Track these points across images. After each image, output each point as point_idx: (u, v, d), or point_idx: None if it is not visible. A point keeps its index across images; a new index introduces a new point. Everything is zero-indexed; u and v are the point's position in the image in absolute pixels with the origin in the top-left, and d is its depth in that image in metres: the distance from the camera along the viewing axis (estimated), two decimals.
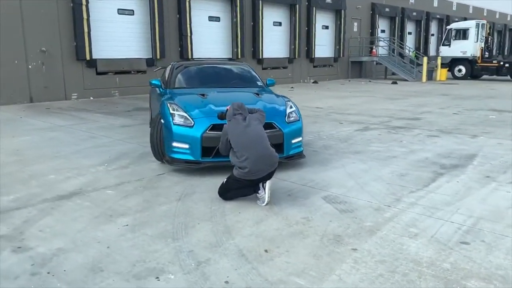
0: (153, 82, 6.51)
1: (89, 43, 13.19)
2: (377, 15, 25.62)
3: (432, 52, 30.98)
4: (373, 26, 25.64)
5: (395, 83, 20.49)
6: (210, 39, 17.15)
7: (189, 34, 15.97)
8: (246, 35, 18.20)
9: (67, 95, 13.10)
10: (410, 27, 29.25)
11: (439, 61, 22.82)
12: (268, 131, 5.06)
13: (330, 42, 23.04)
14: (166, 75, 6.87)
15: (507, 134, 7.75)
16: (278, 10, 19.96)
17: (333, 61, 23.01)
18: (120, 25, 14.27)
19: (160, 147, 5.38)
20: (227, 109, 4.46)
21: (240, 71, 7.00)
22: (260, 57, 18.73)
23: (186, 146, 5.05)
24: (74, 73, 13.18)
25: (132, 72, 14.70)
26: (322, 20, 22.29)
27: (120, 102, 12.79)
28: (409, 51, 25.81)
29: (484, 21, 23.88)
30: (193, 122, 5.08)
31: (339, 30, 23.14)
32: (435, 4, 31.23)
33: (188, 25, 15.87)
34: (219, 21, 17.51)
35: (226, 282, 2.76)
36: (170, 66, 7.28)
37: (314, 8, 21.08)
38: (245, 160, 4.05)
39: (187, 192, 4.51)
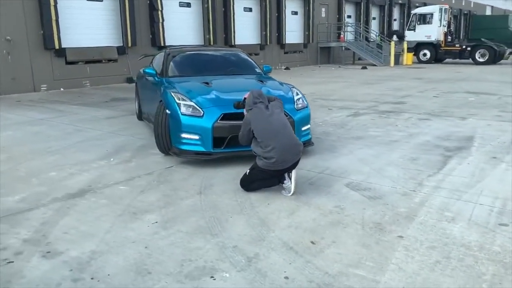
0: (148, 70, 6.21)
1: (58, 31, 12.51)
2: (343, 1, 25.78)
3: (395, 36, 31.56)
4: (340, 12, 25.80)
5: (365, 68, 20.77)
6: (182, 26, 16.70)
7: (160, 21, 15.47)
8: (218, 21, 17.86)
9: (36, 87, 12.40)
10: (374, 12, 29.68)
11: (405, 46, 23.30)
12: None
13: (299, 28, 23.01)
14: (160, 63, 6.57)
15: (492, 115, 7.98)
16: None
17: (303, 47, 23.03)
18: (89, 12, 13.63)
19: (166, 138, 5.15)
20: (244, 98, 4.30)
21: (237, 57, 6.80)
22: (233, 43, 18.44)
23: (196, 137, 4.86)
24: (43, 63, 12.48)
25: (103, 61, 14.11)
26: (291, 6, 22.19)
27: (94, 92, 12.25)
28: (376, 35, 26.19)
29: (447, 6, 24.54)
30: (202, 112, 4.88)
31: (307, 15, 23.13)
32: None
33: (159, 12, 15.36)
34: (190, 6, 17.06)
35: (286, 277, 2.65)
36: (161, 54, 6.99)
37: None
38: (271, 150, 3.92)
39: (205, 185, 4.34)
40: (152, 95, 6.46)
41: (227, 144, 4.87)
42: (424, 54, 24.06)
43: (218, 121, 4.82)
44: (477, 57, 22.60)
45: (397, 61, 22.84)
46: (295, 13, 22.71)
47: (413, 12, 25.28)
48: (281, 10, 21.02)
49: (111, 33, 14.31)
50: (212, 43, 17.48)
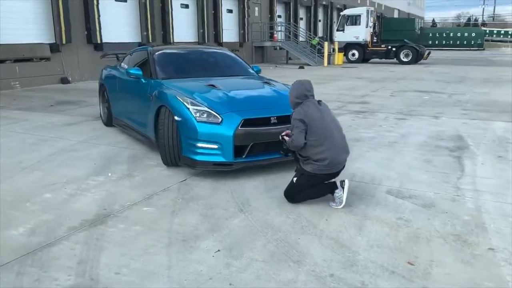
0: (132, 71, 5.51)
1: None
2: (275, 1, 25.93)
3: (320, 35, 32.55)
4: (271, 11, 25.92)
5: (302, 67, 21.03)
6: (118, 22, 15.59)
7: (96, 16, 14.27)
8: (156, 18, 16.94)
9: None
10: (301, 13, 30.28)
11: (336, 46, 24.02)
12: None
13: (234, 27, 22.71)
14: (140, 63, 5.87)
15: (458, 113, 8.32)
16: None
17: (238, 46, 22.74)
18: (17, 4, 12.13)
19: (176, 149, 4.57)
20: None
21: (228, 57, 6.32)
22: (172, 41, 17.63)
23: (215, 146, 4.35)
24: None
25: (35, 60, 12.67)
26: (227, 4, 21.82)
27: (30, 95, 10.92)
28: (310, 36, 26.69)
29: (372, 8, 25.73)
30: (220, 118, 4.38)
31: (242, 14, 22.90)
32: None
33: (95, 6, 14.15)
34: (126, 1, 15.97)
35: None
36: (139, 53, 6.29)
37: None
38: (325, 151, 3.56)
39: (240, 201, 3.88)
40: (134, 98, 5.80)
41: (248, 153, 4.44)
42: (353, 54, 24.99)
43: (239, 127, 4.36)
44: (401, 57, 23.97)
45: (329, 61, 23.47)
46: (230, 11, 22.37)
47: (341, 13, 26.18)
48: (217, 7, 20.56)
49: (43, 28, 12.92)
50: (150, 41, 16.54)
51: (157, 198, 3.94)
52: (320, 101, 3.81)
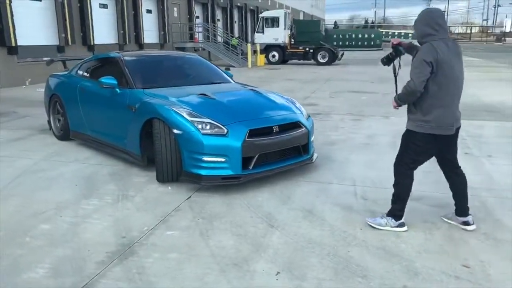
0: (107, 81, 5.03)
1: None
2: (193, 1, 25.54)
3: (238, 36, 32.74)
4: (190, 12, 25.49)
5: (228, 69, 20.91)
6: (33, 23, 14.21)
7: (9, 16, 12.87)
8: (74, 18, 15.76)
9: None
10: (218, 14, 30.19)
11: (258, 48, 24.33)
12: (297, 130, 4.65)
13: (155, 28, 21.93)
14: (106, 71, 5.38)
15: (403, 113, 8.85)
16: None
17: (160, 47, 22.01)
18: None
19: (177, 164, 4.28)
20: (396, 43, 3.42)
21: (202, 63, 6.06)
22: (92, 43, 16.53)
23: (222, 159, 4.15)
24: None
25: None
26: (146, 4, 20.99)
27: None
28: (228, 37, 26.66)
29: (289, 11, 26.47)
30: (226, 130, 4.19)
31: (162, 14, 22.21)
32: None
33: (7, 5, 12.76)
34: (41, 0, 14.62)
35: None
36: (105, 60, 5.79)
37: None
38: (444, 106, 3.20)
39: (262, 214, 3.74)
40: (105, 109, 5.34)
41: (255, 163, 4.30)
42: (273, 56, 25.49)
43: (246, 138, 4.20)
44: (319, 58, 24.97)
45: (252, 62, 23.69)
46: (150, 11, 21.57)
47: (260, 15, 26.52)
48: (137, 7, 19.70)
49: None
50: (69, 43, 15.36)
51: (173, 220, 3.64)
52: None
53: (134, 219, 3.66)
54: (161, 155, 4.29)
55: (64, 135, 6.23)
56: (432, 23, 3.18)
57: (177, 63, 5.87)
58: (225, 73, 6.14)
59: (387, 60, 3.49)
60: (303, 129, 4.72)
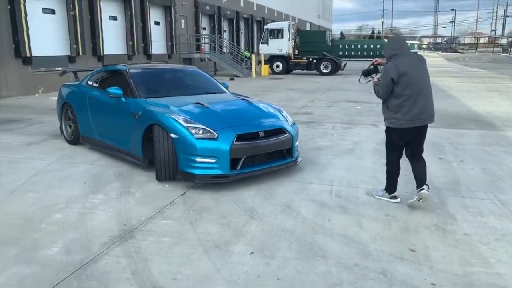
0: (114, 91, 5.65)
1: None
2: (200, 13, 26.33)
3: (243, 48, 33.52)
4: (197, 24, 26.27)
5: (233, 79, 21.64)
6: (46, 34, 15.00)
7: (25, 29, 13.64)
8: (85, 30, 16.53)
9: None
10: (225, 25, 30.97)
11: (262, 58, 25.01)
12: (281, 136, 5.19)
13: (162, 39, 22.71)
14: (113, 82, 6.00)
15: None
16: (113, 3, 18.67)
17: (167, 57, 22.77)
18: None
19: (173, 164, 4.85)
20: (374, 62, 4.59)
21: (200, 75, 6.69)
22: (102, 53, 17.29)
23: (213, 160, 4.72)
24: None
25: None
26: (154, 16, 21.79)
27: None
28: (233, 48, 27.38)
29: (293, 22, 27.15)
30: (216, 134, 4.77)
31: (170, 26, 23.00)
32: (242, 4, 33.76)
33: (23, 19, 13.53)
34: (54, 13, 15.42)
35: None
36: (112, 72, 6.41)
37: (147, 3, 20.43)
38: (410, 99, 4.09)
39: (246, 208, 4.30)
40: (112, 116, 5.94)
41: (242, 164, 4.86)
42: (277, 66, 26.18)
43: (234, 142, 4.77)
44: (322, 69, 25.59)
45: (256, 72, 24.37)
46: (157, 23, 22.35)
47: (265, 27, 27.25)
48: (145, 19, 20.48)
49: None
50: (80, 54, 16.12)
51: (168, 212, 4.21)
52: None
53: (135, 210, 4.23)
54: (160, 156, 4.87)
55: (75, 139, 6.85)
56: (394, 46, 4.25)
57: (177, 75, 6.50)
58: (221, 84, 6.73)
59: (367, 73, 4.66)
60: (287, 134, 5.28)
